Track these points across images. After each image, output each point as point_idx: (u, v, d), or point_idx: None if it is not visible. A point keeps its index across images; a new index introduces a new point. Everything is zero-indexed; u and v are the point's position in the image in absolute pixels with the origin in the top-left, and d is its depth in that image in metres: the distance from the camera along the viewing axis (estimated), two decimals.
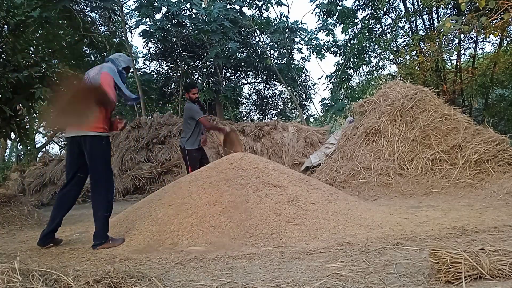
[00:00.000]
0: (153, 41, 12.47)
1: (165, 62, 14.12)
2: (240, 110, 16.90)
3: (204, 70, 13.76)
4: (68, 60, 11.36)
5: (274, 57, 14.44)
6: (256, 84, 16.62)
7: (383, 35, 13.25)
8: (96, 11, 11.91)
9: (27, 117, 6.27)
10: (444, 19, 5.75)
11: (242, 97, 15.88)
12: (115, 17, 12.24)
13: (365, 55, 13.26)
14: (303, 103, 15.79)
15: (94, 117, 3.18)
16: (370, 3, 12.87)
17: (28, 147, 15.38)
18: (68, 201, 3.42)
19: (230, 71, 15.20)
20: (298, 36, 13.60)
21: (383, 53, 13.04)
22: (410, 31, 12.69)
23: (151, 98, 13.52)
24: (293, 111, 16.87)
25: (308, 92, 15.42)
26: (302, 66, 15.02)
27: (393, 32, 12.88)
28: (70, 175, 3.40)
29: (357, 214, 3.51)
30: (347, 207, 3.63)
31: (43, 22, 9.07)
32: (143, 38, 11.49)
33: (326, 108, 12.96)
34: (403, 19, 12.61)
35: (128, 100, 3.48)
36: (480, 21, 5.23)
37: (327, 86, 13.79)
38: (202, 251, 2.81)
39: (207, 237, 3.04)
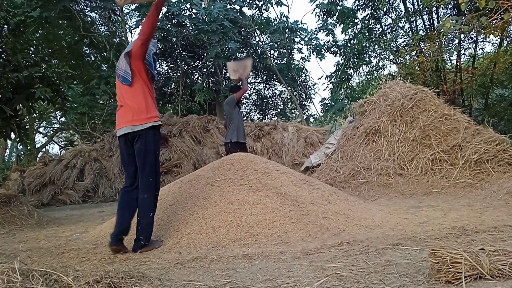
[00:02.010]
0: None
1: (165, 62, 14.12)
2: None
3: (204, 70, 13.76)
4: (68, 60, 11.36)
5: (274, 57, 14.44)
6: (256, 84, 16.63)
7: (383, 35, 13.25)
8: (96, 11, 11.91)
9: (27, 117, 6.27)
10: (444, 19, 5.75)
11: (242, 97, 15.87)
12: (115, 17, 12.23)
13: (365, 55, 13.26)
14: (303, 103, 15.79)
15: (146, 106, 2.98)
16: (370, 3, 12.88)
17: (28, 147, 15.38)
18: (134, 202, 3.01)
19: None
20: (298, 36, 13.60)
21: (383, 53, 13.05)
22: (410, 31, 12.70)
23: None
24: (293, 111, 16.88)
25: (308, 92, 15.43)
26: (302, 66, 15.02)
27: (393, 32, 12.89)
28: (132, 173, 3.02)
29: (357, 214, 3.51)
30: (347, 207, 3.63)
31: (43, 22, 9.08)
32: None
33: (326, 108, 12.96)
34: (403, 19, 12.62)
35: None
36: (480, 21, 5.23)
37: (327, 86, 13.81)
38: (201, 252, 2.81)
39: (207, 237, 3.04)
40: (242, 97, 5.40)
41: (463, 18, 5.71)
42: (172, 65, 13.91)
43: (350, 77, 13.75)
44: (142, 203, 2.96)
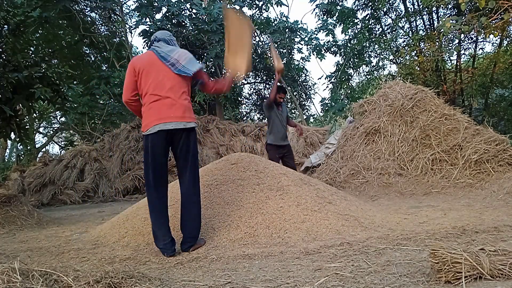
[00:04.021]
0: None
1: None
2: (240, 110, 16.89)
3: (204, 70, 13.74)
4: (68, 60, 11.38)
5: None
6: (256, 84, 16.63)
7: (383, 35, 13.25)
8: (96, 11, 11.91)
9: (27, 117, 6.28)
10: (444, 19, 5.75)
11: (242, 97, 15.87)
12: (115, 17, 12.24)
13: (365, 55, 13.27)
14: (303, 103, 15.79)
15: (189, 104, 2.91)
16: (370, 3, 12.88)
17: (28, 147, 15.39)
18: (166, 205, 2.90)
19: None
20: (298, 36, 13.60)
21: (383, 53, 13.05)
22: (410, 31, 12.70)
23: None
24: (293, 111, 16.87)
25: (308, 92, 15.43)
26: (302, 66, 15.02)
27: (393, 32, 12.90)
28: (163, 175, 2.87)
29: (357, 214, 3.51)
30: (347, 207, 3.63)
31: (43, 22, 9.09)
32: (143, 38, 11.49)
33: (326, 108, 12.96)
34: (403, 19, 12.62)
35: None
36: (480, 21, 5.23)
37: (327, 86, 13.81)
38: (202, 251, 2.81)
39: (207, 237, 3.04)
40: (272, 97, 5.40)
41: (463, 18, 5.72)
42: None
43: (350, 77, 13.75)
44: (194, 202, 2.88)
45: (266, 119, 5.61)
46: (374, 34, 13.19)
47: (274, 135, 5.41)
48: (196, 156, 2.95)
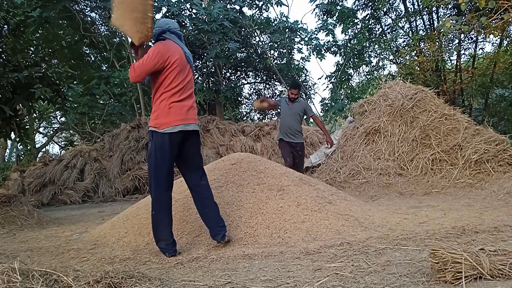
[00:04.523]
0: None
1: None
2: (240, 110, 16.88)
3: (204, 70, 13.74)
4: (68, 60, 11.37)
5: (274, 57, 14.43)
6: (256, 84, 16.62)
7: (383, 35, 13.25)
8: (96, 11, 11.91)
9: (27, 117, 6.27)
10: (444, 19, 5.75)
11: (242, 97, 15.86)
12: None
13: (365, 55, 13.25)
14: None
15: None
16: (370, 3, 12.87)
17: (28, 147, 15.38)
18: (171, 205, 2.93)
19: (230, 71, 15.18)
20: (298, 36, 13.58)
21: (383, 53, 13.04)
22: (410, 31, 12.69)
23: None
24: None
25: (308, 92, 15.41)
26: (302, 66, 15.01)
27: (393, 32, 12.89)
28: (171, 174, 2.87)
29: (357, 214, 3.51)
30: (347, 207, 3.63)
31: (43, 22, 9.08)
32: None
33: (326, 108, 12.95)
34: (403, 19, 12.61)
35: None
36: (480, 21, 5.23)
37: (327, 86, 13.80)
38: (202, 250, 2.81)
39: (207, 237, 3.04)
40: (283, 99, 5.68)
41: (463, 18, 5.71)
42: None
43: (350, 77, 13.74)
44: (210, 196, 2.93)
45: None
46: (374, 34, 13.18)
47: (279, 130, 5.60)
48: (201, 159, 3.04)
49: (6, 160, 17.39)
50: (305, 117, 5.78)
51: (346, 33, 13.05)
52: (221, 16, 10.67)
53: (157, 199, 2.81)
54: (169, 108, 2.77)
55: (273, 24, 13.46)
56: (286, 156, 5.41)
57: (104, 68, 12.63)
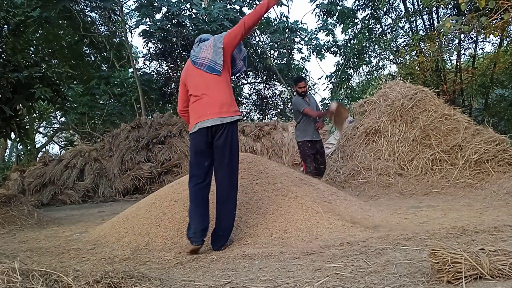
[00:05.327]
0: (153, 41, 12.47)
1: (165, 62, 14.11)
2: (240, 110, 16.89)
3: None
4: (68, 60, 11.37)
5: (274, 57, 14.44)
6: (256, 84, 16.62)
7: (383, 35, 13.25)
8: (96, 11, 11.91)
9: (27, 117, 6.27)
10: (444, 19, 5.75)
11: (242, 97, 15.87)
12: (115, 17, 12.24)
13: (365, 55, 13.26)
14: None
15: (231, 98, 2.94)
16: (370, 3, 12.87)
17: (28, 147, 15.39)
18: (207, 198, 2.92)
19: None
20: (298, 36, 13.60)
21: (383, 53, 13.04)
22: (410, 31, 12.69)
23: (151, 98, 13.52)
24: (293, 111, 16.88)
25: (308, 92, 15.41)
26: (302, 66, 15.02)
27: (393, 32, 12.88)
28: (207, 168, 2.88)
29: (357, 214, 3.51)
30: (347, 207, 3.63)
31: (43, 22, 9.09)
32: (143, 38, 11.50)
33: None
34: (403, 19, 12.61)
35: None
36: (480, 21, 5.23)
37: (327, 86, 13.81)
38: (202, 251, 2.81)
39: (207, 237, 3.04)
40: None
41: (463, 18, 5.71)
42: (172, 65, 13.90)
43: (350, 77, 13.75)
44: (229, 200, 2.88)
45: (297, 115, 5.44)
46: (374, 34, 13.18)
47: (303, 130, 5.31)
48: (236, 152, 2.93)
49: (6, 160, 17.39)
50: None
51: (346, 33, 13.06)
52: (221, 16, 10.68)
53: (189, 193, 2.89)
54: (190, 111, 2.99)
55: (273, 24, 13.47)
56: (312, 161, 5.20)
57: (104, 68, 12.63)
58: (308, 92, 5.39)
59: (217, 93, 2.87)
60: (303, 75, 15.31)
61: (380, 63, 13.63)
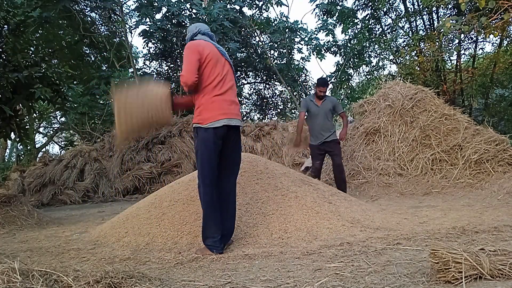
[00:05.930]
0: (153, 41, 12.46)
1: (165, 62, 14.11)
2: (240, 110, 16.89)
3: None
4: (68, 60, 11.36)
5: (274, 57, 14.44)
6: (256, 84, 16.62)
7: (383, 35, 13.25)
8: (96, 11, 11.90)
9: (27, 117, 6.27)
10: (444, 19, 5.75)
11: (242, 97, 15.87)
12: (115, 17, 12.23)
13: (365, 55, 13.26)
14: None
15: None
16: (370, 3, 12.87)
17: (28, 147, 15.38)
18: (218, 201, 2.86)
19: None
20: (298, 36, 13.59)
21: (383, 53, 13.04)
22: (410, 31, 12.69)
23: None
24: (293, 111, 16.86)
25: (308, 92, 15.40)
26: (302, 66, 15.02)
27: (393, 32, 12.89)
28: (216, 170, 2.79)
29: (357, 214, 3.51)
30: (347, 207, 3.63)
31: (43, 22, 9.08)
32: (143, 38, 11.48)
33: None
34: (403, 19, 12.61)
35: None
36: (480, 21, 5.23)
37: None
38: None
39: None
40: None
41: (463, 18, 5.71)
42: (172, 65, 13.90)
43: (350, 77, 13.75)
44: (233, 202, 2.89)
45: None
46: (374, 34, 13.18)
47: (311, 133, 5.35)
48: (240, 156, 3.02)
49: (6, 160, 17.38)
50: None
51: (346, 33, 13.06)
52: (221, 16, 10.67)
53: (206, 197, 2.73)
54: (212, 103, 2.72)
55: (273, 24, 13.46)
56: (316, 159, 5.28)
57: (104, 68, 12.62)
58: (326, 97, 5.37)
59: (236, 95, 2.91)
60: (304, 75, 15.32)
61: (380, 63, 13.66)
